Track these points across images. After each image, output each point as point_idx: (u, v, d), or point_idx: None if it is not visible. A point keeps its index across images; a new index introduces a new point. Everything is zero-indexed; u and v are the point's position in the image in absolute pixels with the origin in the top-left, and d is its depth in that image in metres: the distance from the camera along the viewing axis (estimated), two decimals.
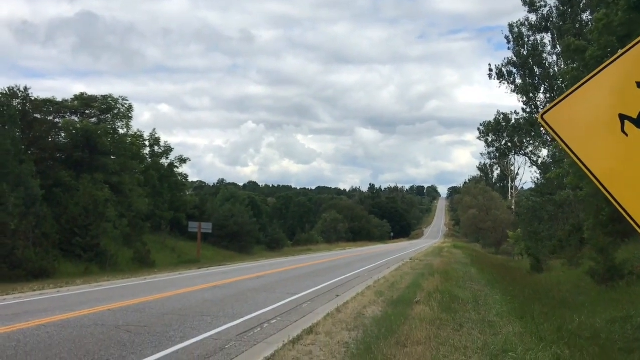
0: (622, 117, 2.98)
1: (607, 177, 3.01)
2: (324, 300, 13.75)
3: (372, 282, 17.55)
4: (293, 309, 12.23)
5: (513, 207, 65.89)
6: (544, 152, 47.09)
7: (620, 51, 3.07)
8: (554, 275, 21.94)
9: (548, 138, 44.72)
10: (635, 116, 2.96)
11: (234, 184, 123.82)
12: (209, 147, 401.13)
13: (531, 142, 46.88)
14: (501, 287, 15.64)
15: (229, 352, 8.03)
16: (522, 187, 69.52)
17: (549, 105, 3.15)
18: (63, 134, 32.97)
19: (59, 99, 33.49)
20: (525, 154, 51.15)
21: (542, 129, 44.61)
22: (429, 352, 7.26)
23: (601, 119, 3.04)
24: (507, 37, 44.39)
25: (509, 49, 44.75)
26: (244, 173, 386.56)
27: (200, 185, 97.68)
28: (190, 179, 52.39)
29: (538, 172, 47.21)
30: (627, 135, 2.97)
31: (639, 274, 14.87)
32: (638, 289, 13.40)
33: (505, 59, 45.37)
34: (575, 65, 21.38)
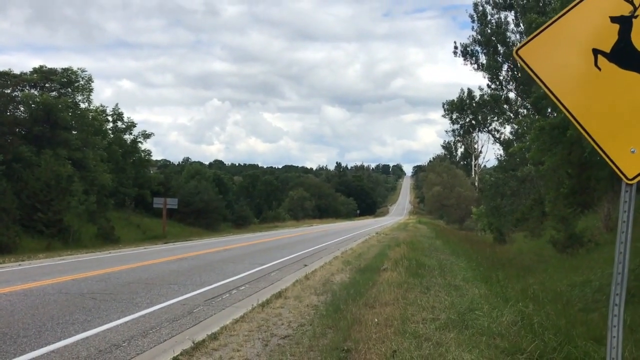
0: (595, 52, 2.99)
1: (580, 112, 3.02)
2: (292, 269, 13.76)
3: (340, 253, 17.66)
4: (261, 277, 12.22)
5: (476, 184, 66.98)
6: (507, 129, 47.86)
7: None
8: (517, 246, 22.44)
9: (511, 115, 45.48)
10: (608, 50, 2.97)
11: (200, 163, 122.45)
12: (173, 125, 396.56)
13: (495, 118, 47.54)
14: (466, 256, 15.89)
15: (197, 315, 7.97)
16: (485, 166, 70.72)
17: (523, 41, 3.15)
18: (22, 108, 31.91)
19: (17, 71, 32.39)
20: (489, 131, 51.91)
21: (505, 105, 45.30)
22: (397, 312, 7.33)
23: (575, 54, 3.05)
24: (471, 16, 44.72)
25: (473, 28, 45.13)
26: (210, 151, 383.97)
27: (165, 164, 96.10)
28: (154, 158, 51.44)
29: (501, 148, 48.02)
30: (600, 69, 2.99)
31: (598, 242, 15.31)
32: (597, 255, 13.77)
33: (469, 37, 45.71)
34: None
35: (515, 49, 3.16)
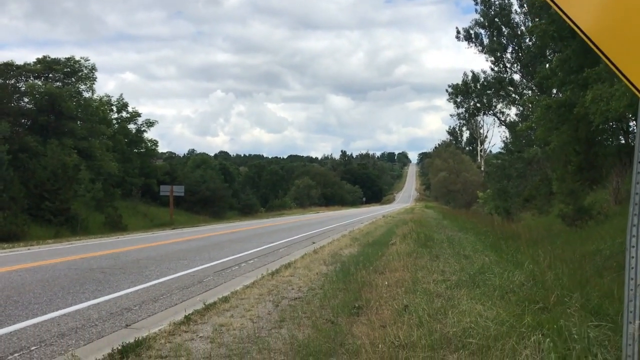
0: None
1: (595, 32, 2.96)
2: (300, 246, 13.77)
3: (347, 232, 17.66)
4: (270, 253, 12.24)
5: (482, 168, 66.72)
6: (513, 111, 47.51)
7: None
8: (525, 223, 22.32)
9: (516, 97, 45.16)
10: None
11: (205, 154, 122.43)
12: (178, 117, 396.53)
13: (500, 100, 47.21)
14: (474, 232, 15.85)
15: (207, 284, 7.98)
16: (491, 151, 70.30)
17: None
18: (26, 99, 31.93)
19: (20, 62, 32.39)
20: (494, 114, 51.52)
21: (510, 87, 44.99)
22: (408, 275, 7.31)
23: None
24: None
25: (476, 10, 44.73)
26: (215, 143, 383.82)
27: (170, 156, 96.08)
28: (159, 150, 51.35)
29: (507, 130, 47.73)
30: None
31: (607, 214, 15.20)
32: (607, 226, 13.67)
33: (472, 20, 45.35)
34: (543, 20, 21.47)
35: None
